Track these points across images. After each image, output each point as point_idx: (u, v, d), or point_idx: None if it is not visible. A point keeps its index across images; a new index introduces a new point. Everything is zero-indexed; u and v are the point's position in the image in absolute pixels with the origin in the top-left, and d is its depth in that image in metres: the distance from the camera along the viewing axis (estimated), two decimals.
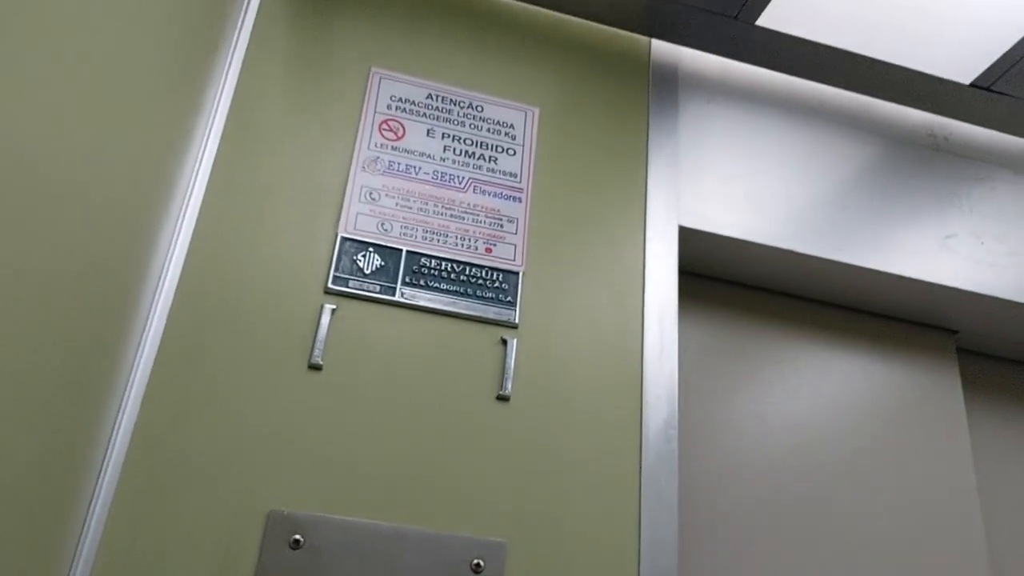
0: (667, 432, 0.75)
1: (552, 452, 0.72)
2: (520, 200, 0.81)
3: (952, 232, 0.96)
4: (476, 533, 0.67)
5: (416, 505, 0.67)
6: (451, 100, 0.84)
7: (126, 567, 0.60)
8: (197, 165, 0.73)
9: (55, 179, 0.44)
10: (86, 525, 0.59)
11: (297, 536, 0.63)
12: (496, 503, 0.69)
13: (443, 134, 0.82)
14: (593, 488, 0.71)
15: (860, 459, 0.91)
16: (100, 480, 0.61)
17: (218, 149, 0.75)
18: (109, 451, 0.62)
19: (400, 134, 0.81)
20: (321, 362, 0.69)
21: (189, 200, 0.72)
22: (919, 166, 0.99)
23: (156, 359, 0.66)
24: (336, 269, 0.73)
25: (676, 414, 0.77)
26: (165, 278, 0.69)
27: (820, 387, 0.94)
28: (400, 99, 0.83)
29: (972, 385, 1.04)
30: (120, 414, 0.63)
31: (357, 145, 0.79)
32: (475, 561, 0.66)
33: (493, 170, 0.82)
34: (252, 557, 0.62)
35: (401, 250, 0.76)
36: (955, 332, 1.01)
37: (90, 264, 0.52)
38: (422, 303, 0.74)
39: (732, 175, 0.91)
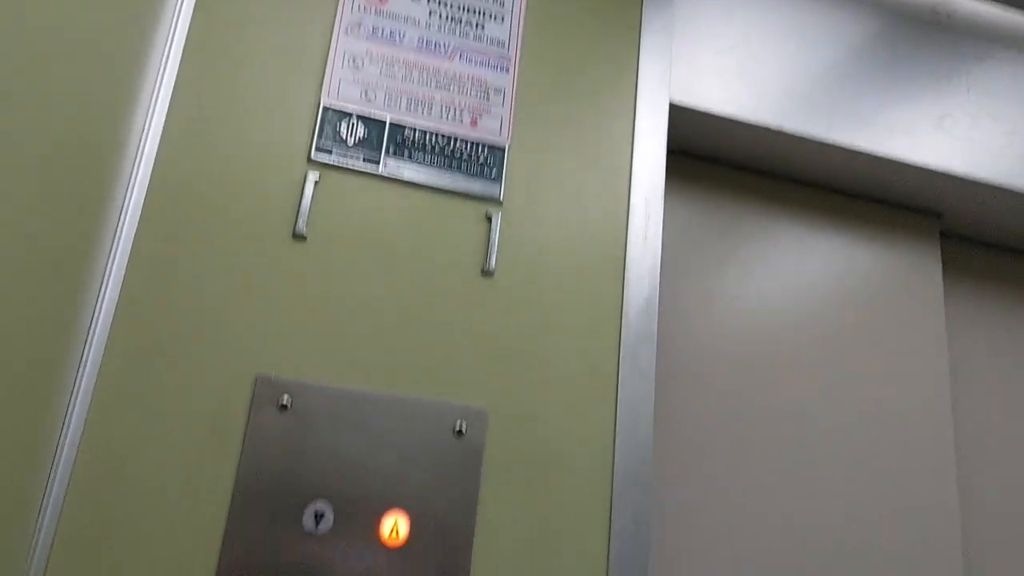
0: (648, 311, 0.77)
1: (534, 326, 0.74)
2: (507, 70, 0.79)
3: (947, 112, 0.95)
4: (458, 400, 0.69)
5: (400, 373, 0.69)
6: None
7: (117, 433, 0.62)
8: (171, 33, 0.71)
9: (12, 53, 0.43)
10: (73, 395, 0.61)
11: (285, 399, 0.65)
12: (478, 372, 0.71)
13: None
14: (573, 360, 0.73)
15: (836, 340, 0.93)
16: (87, 351, 0.62)
17: (192, 17, 0.72)
18: (93, 325, 0.63)
19: None
20: (305, 232, 0.70)
21: (164, 70, 0.70)
22: (920, 43, 0.97)
23: (137, 233, 0.66)
24: (319, 139, 0.72)
25: (657, 293, 0.78)
26: (143, 151, 0.68)
27: (801, 268, 0.95)
28: None
29: (952, 269, 1.05)
30: (103, 287, 0.64)
31: (340, 7, 0.76)
32: (457, 426, 0.68)
33: (480, 37, 0.79)
34: (241, 420, 0.64)
35: (385, 120, 0.74)
36: (940, 215, 1.01)
37: (62, 142, 0.51)
38: (406, 176, 0.74)
39: (727, 47, 0.89)
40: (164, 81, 0.70)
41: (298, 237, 0.70)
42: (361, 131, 0.73)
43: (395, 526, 0.64)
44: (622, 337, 0.75)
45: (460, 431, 0.68)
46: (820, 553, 0.84)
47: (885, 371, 0.93)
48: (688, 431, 0.86)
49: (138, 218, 0.66)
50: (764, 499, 0.85)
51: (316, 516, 0.63)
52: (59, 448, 0.59)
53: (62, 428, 0.60)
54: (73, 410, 0.61)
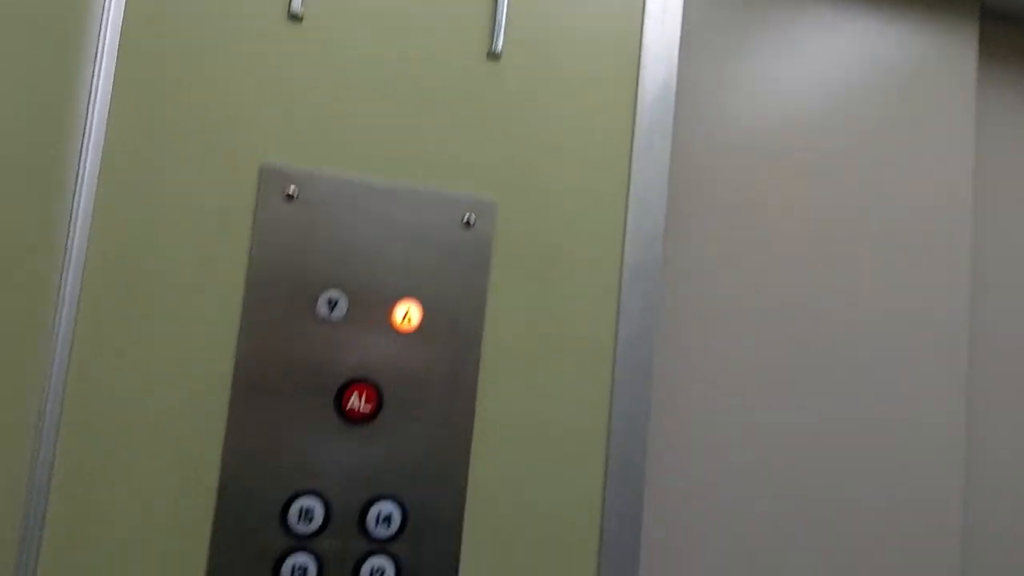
0: (664, 96, 0.73)
1: (544, 112, 0.71)
2: None
3: None
4: (467, 191, 0.68)
5: (408, 163, 0.67)
6: None
7: (122, 232, 0.61)
8: None
9: None
10: (76, 195, 0.60)
11: (291, 189, 0.64)
12: (487, 162, 0.69)
13: None
14: (585, 151, 0.72)
15: (861, 131, 0.90)
16: (84, 150, 0.60)
17: None
18: (88, 121, 0.61)
19: None
20: (301, 12, 0.65)
21: None
22: None
23: (125, 21, 0.62)
24: None
25: (674, 77, 0.74)
26: None
27: (829, 50, 0.90)
28: None
29: (988, 53, 1.00)
30: (95, 77, 0.61)
31: None
32: (466, 217, 0.68)
33: None
34: (248, 211, 0.64)
35: None
36: None
37: None
38: None
39: None
40: None
41: (294, 18, 0.66)
42: None
43: (408, 313, 0.65)
44: (636, 126, 0.73)
45: (469, 223, 0.68)
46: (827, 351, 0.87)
47: (908, 161, 0.91)
48: (701, 228, 0.85)
49: (123, 7, 0.62)
50: (776, 306, 0.86)
51: (330, 303, 0.64)
52: (67, 254, 0.60)
53: (68, 225, 0.60)
54: (78, 210, 0.60)
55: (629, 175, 0.72)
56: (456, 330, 0.67)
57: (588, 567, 0.68)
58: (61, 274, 0.59)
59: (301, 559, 0.61)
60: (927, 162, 0.92)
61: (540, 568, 0.67)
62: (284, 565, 0.61)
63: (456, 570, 0.65)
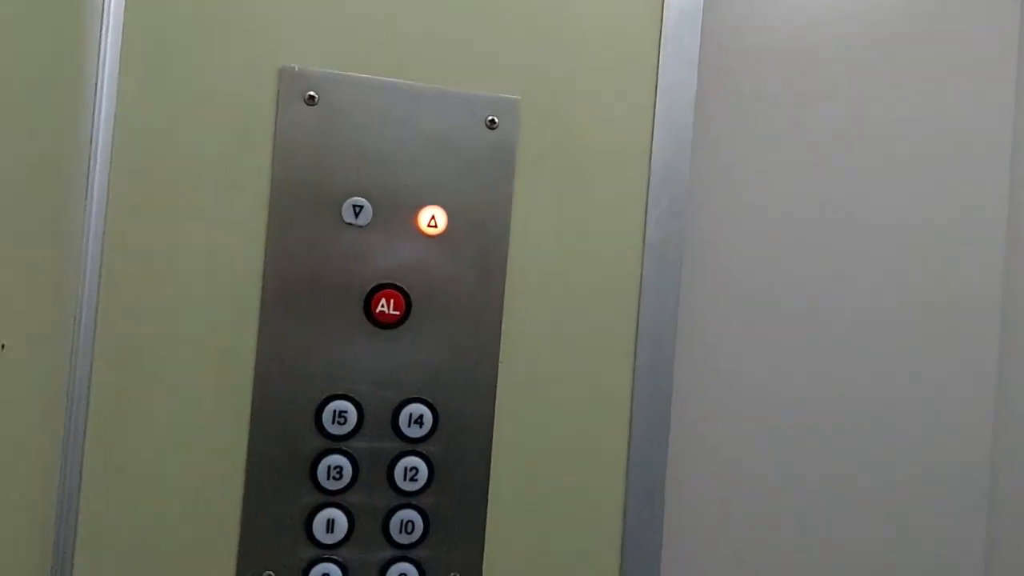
0: None
1: (568, 6, 0.68)
2: None
3: None
4: (490, 91, 0.67)
5: (429, 64, 0.65)
6: None
7: (142, 141, 0.61)
8: None
9: None
10: (97, 100, 0.59)
11: (311, 92, 0.63)
12: (510, 61, 0.67)
13: None
14: (610, 43, 0.69)
15: (896, 40, 0.86)
16: (102, 53, 0.59)
17: None
18: (104, 24, 0.59)
19: None
20: None
21: None
22: None
23: None
24: None
25: None
26: None
27: None
28: None
29: None
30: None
31: None
32: (489, 118, 0.66)
33: None
34: (269, 115, 0.63)
35: None
36: None
37: None
38: None
39: None
40: None
41: None
42: None
43: (433, 218, 0.65)
44: (664, 20, 0.70)
45: (493, 123, 0.66)
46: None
47: (947, 83, 0.88)
48: (728, 123, 0.83)
49: None
50: (805, 214, 0.85)
51: (355, 210, 0.64)
52: (91, 164, 0.59)
53: (91, 139, 0.59)
54: (99, 119, 0.59)
55: (657, 73, 0.70)
56: (482, 234, 0.66)
57: (618, 458, 0.69)
58: (86, 186, 0.59)
59: (336, 459, 0.63)
60: (965, 81, 0.88)
61: (570, 461, 0.68)
62: (320, 465, 0.63)
63: (488, 467, 0.66)
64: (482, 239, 0.66)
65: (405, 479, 0.64)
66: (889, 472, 0.86)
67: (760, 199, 0.84)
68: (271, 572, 0.62)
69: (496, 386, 0.67)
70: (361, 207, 0.64)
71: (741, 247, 0.84)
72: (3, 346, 0.42)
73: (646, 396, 0.69)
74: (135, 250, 0.61)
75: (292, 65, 0.63)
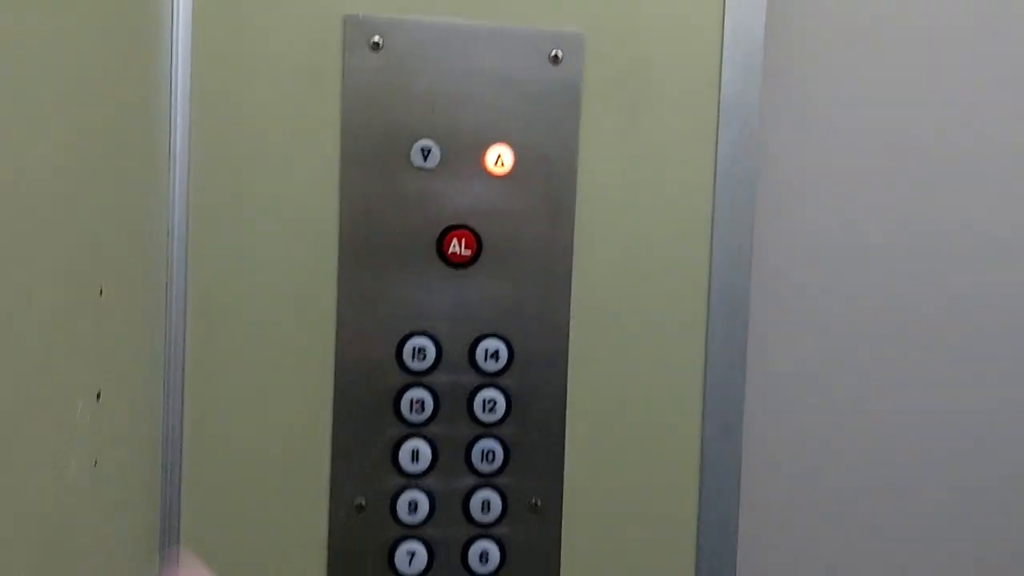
0: None
1: None
2: None
3: None
4: (553, 26, 0.66)
5: (490, 1, 0.66)
6: None
7: (214, 95, 0.63)
8: None
9: None
10: (173, 60, 0.62)
11: (376, 38, 0.64)
12: None
13: None
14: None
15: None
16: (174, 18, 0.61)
17: None
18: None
19: None
20: None
21: None
22: None
23: None
24: None
25: None
26: None
27: None
28: None
29: None
30: None
31: None
32: (553, 53, 0.66)
33: None
34: (336, 63, 0.64)
35: None
36: None
37: None
38: None
39: None
40: None
41: None
42: None
43: (500, 157, 0.66)
44: None
45: (556, 58, 0.66)
46: None
47: None
48: (803, 64, 0.80)
49: None
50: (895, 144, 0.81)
51: (423, 152, 0.65)
52: (171, 117, 0.62)
53: (169, 92, 0.62)
54: (177, 79, 0.62)
55: (724, 3, 0.68)
56: (549, 172, 0.67)
57: (695, 388, 0.70)
58: (168, 141, 0.62)
59: (418, 393, 0.66)
60: None
61: (646, 391, 0.69)
62: (403, 399, 0.66)
63: (564, 399, 0.68)
64: (549, 177, 0.67)
65: (484, 411, 0.67)
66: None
67: (838, 132, 0.81)
68: (362, 499, 0.66)
69: (569, 319, 0.68)
70: (429, 150, 0.65)
71: (816, 179, 0.82)
72: (101, 291, 0.46)
73: (722, 324, 0.69)
74: (217, 201, 0.64)
75: (356, 13, 0.64)
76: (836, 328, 0.82)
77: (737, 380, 0.70)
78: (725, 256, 0.69)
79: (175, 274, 0.63)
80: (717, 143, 0.69)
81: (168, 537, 0.64)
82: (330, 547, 0.66)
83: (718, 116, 0.69)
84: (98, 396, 0.46)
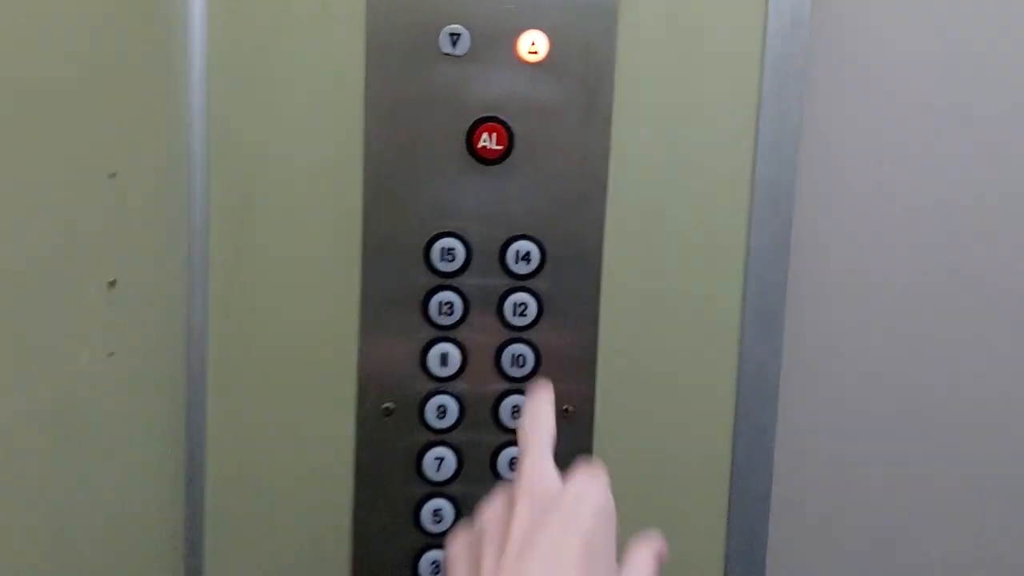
0: None
1: None
2: None
3: None
4: None
5: None
6: None
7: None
8: None
9: None
10: None
11: None
12: None
13: None
14: None
15: None
16: None
17: None
18: None
19: None
20: None
21: None
22: None
23: None
24: None
25: None
26: None
27: None
28: None
29: None
30: None
31: None
32: None
33: None
34: None
35: None
36: None
37: None
38: None
39: None
40: None
41: None
42: None
43: (533, 43, 0.61)
44: None
45: None
46: None
47: None
48: None
49: None
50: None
51: (452, 38, 0.61)
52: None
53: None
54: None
55: None
56: (586, 59, 0.62)
57: (735, 289, 0.66)
58: (183, 30, 0.59)
59: (447, 296, 0.64)
60: None
61: (683, 297, 0.66)
62: (431, 301, 0.63)
63: (597, 303, 0.65)
64: (586, 65, 0.62)
65: (515, 314, 0.64)
66: None
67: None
68: (390, 403, 0.64)
69: (604, 221, 0.64)
70: (458, 35, 0.61)
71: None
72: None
73: (765, 225, 0.66)
74: (237, 88, 0.61)
75: None
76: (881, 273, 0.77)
77: (779, 283, 0.66)
78: (771, 155, 0.65)
79: (196, 163, 0.61)
80: (766, 21, 0.63)
81: (192, 439, 0.63)
82: (357, 451, 0.65)
83: (767, 6, 0.63)
84: (112, 284, 0.44)
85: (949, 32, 0.74)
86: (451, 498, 0.66)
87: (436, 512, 0.65)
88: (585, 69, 0.62)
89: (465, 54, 0.61)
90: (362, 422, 0.65)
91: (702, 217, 0.66)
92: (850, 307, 0.77)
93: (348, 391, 0.64)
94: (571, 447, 0.66)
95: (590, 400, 0.66)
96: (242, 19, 0.60)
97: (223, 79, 0.60)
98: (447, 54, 0.61)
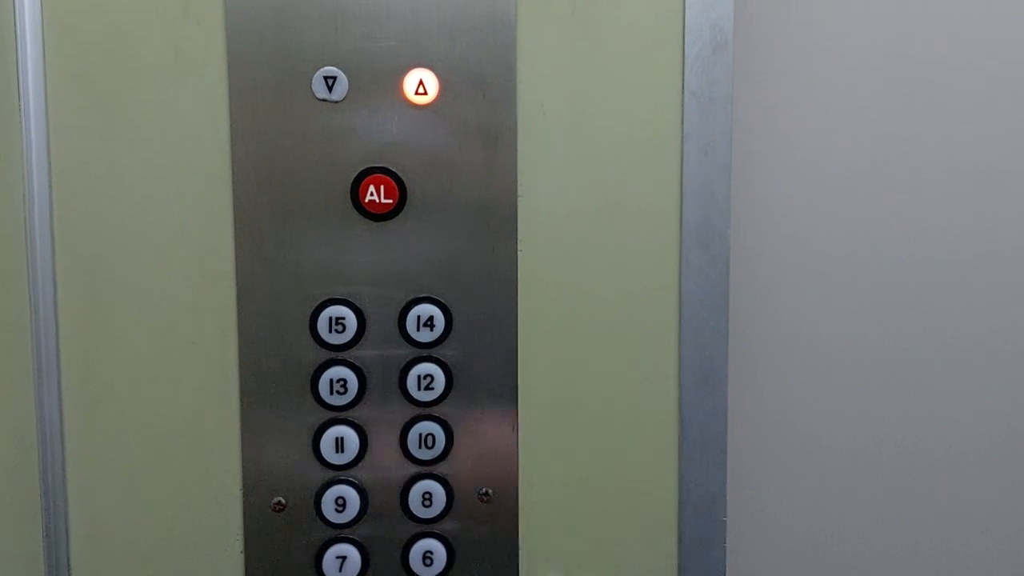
0: None
1: None
2: None
3: None
4: None
5: None
6: None
7: (81, 31, 0.52)
8: None
9: None
10: None
11: None
12: None
13: None
14: None
15: None
16: None
17: None
18: None
19: None
20: None
21: None
22: None
23: None
24: None
25: None
26: None
27: None
28: None
29: None
30: None
31: None
32: None
33: None
34: None
35: None
36: None
37: None
38: None
39: None
40: None
41: None
42: None
43: (420, 83, 0.54)
44: None
45: None
46: None
47: None
48: None
49: None
50: None
51: (327, 82, 0.54)
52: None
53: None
54: None
55: None
56: (482, 97, 0.55)
57: (668, 347, 0.58)
58: (18, 92, 0.52)
59: (339, 371, 0.56)
60: None
61: (612, 359, 0.59)
62: (321, 379, 0.56)
63: (515, 371, 0.57)
64: (483, 103, 0.55)
65: (419, 388, 0.56)
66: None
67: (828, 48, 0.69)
68: (281, 499, 0.56)
69: (516, 276, 0.57)
70: (334, 78, 0.54)
71: (806, 107, 0.69)
72: None
73: (696, 270, 0.58)
74: (83, 153, 0.53)
75: None
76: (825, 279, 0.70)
77: (717, 337, 0.59)
78: (699, 191, 0.57)
79: (38, 243, 0.53)
80: (684, 45, 0.56)
81: (55, 559, 0.55)
82: (247, 554, 0.57)
83: (684, 7, 0.56)
84: None
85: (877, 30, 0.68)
86: None
87: None
88: (483, 108, 0.55)
89: (343, 99, 0.54)
90: (250, 520, 0.56)
91: (628, 266, 0.58)
92: (798, 372, 0.70)
93: (233, 488, 0.56)
94: (494, 536, 0.58)
95: (513, 482, 0.58)
96: (81, 72, 0.53)
97: (63, 144, 0.53)
98: (323, 99, 0.54)
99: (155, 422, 0.55)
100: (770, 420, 0.70)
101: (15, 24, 0.52)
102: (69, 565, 0.56)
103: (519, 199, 0.56)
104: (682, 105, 0.57)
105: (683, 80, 0.57)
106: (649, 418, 0.59)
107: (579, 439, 0.59)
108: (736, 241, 0.62)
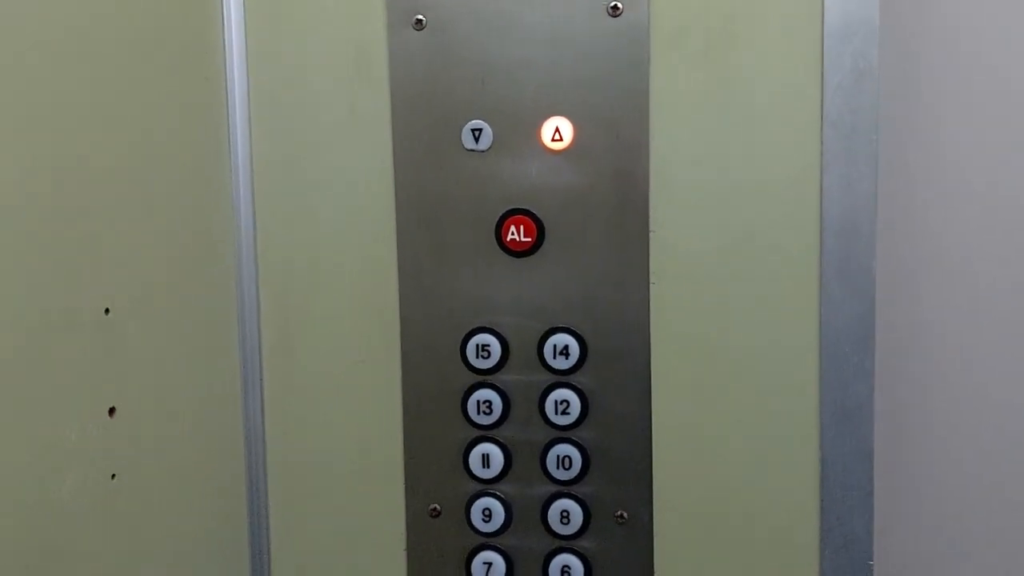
0: None
1: None
2: None
3: None
4: None
5: None
6: None
7: (270, 90, 0.62)
8: None
9: None
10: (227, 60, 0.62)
11: (419, 16, 0.60)
12: None
13: None
14: None
15: None
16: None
17: None
18: None
19: None
20: None
21: None
22: None
23: None
24: None
25: None
26: None
27: None
28: None
29: None
30: None
31: None
32: (611, 4, 0.57)
33: None
34: (381, 47, 0.61)
35: None
36: None
37: None
38: None
39: None
40: None
41: None
42: None
43: (557, 130, 0.59)
44: None
45: (615, 9, 0.57)
46: None
47: None
48: None
49: None
50: None
51: (475, 134, 0.60)
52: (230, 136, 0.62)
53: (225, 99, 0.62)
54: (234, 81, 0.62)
55: None
56: (615, 141, 0.58)
57: (809, 378, 0.58)
58: (227, 136, 0.63)
59: (486, 393, 0.61)
60: None
61: (747, 387, 0.59)
62: (470, 400, 0.61)
63: (648, 397, 0.60)
64: (616, 147, 0.58)
65: (557, 412, 0.61)
66: None
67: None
68: (436, 505, 0.63)
69: (649, 308, 0.59)
70: (480, 130, 0.60)
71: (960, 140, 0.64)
72: (107, 310, 0.46)
73: (836, 304, 0.57)
74: (280, 200, 0.63)
75: None
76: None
77: (861, 373, 0.57)
78: (841, 231, 0.56)
79: (244, 277, 0.64)
80: (823, 80, 0.56)
81: (257, 549, 0.65)
82: (408, 551, 0.64)
83: (822, 55, 0.56)
84: (111, 412, 0.47)
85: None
86: None
87: None
88: (616, 152, 0.58)
89: (488, 148, 0.60)
90: (411, 523, 0.64)
91: (763, 300, 0.58)
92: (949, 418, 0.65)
93: (396, 494, 0.64)
94: (629, 557, 0.61)
95: (648, 504, 0.61)
96: (279, 130, 0.63)
97: (264, 192, 0.63)
98: (471, 150, 0.60)
99: (333, 435, 0.64)
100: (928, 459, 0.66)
101: (226, 91, 0.62)
102: (269, 550, 0.66)
103: (651, 234, 0.59)
104: (821, 137, 0.57)
105: (822, 111, 0.56)
106: (787, 453, 0.59)
107: (714, 470, 0.60)
108: (896, 276, 0.60)
